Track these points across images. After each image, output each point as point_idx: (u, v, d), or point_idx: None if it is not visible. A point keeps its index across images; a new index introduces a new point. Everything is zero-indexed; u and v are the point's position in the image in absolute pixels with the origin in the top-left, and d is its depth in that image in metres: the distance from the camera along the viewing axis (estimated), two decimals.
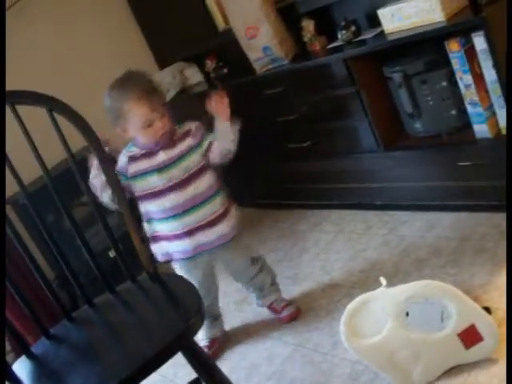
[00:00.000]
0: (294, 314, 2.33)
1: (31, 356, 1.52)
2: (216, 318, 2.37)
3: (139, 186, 2.08)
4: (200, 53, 3.51)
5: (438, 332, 1.69)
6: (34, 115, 1.72)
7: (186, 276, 2.01)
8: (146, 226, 2.16)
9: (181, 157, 2.07)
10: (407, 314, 1.71)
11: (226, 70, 3.41)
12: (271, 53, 2.89)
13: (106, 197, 1.99)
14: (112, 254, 2.92)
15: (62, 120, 1.59)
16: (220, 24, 3.31)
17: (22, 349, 1.54)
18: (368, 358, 1.76)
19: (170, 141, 2.09)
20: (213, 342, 2.34)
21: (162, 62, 3.79)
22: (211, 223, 2.11)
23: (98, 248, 2.79)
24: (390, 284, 1.75)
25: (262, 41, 2.88)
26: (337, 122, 2.77)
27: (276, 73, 2.92)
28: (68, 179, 1.86)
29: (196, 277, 2.17)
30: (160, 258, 2.17)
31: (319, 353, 2.08)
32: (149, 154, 2.07)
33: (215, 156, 2.11)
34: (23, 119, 1.56)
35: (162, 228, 2.13)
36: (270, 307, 2.37)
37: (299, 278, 2.63)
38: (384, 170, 2.74)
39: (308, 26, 2.86)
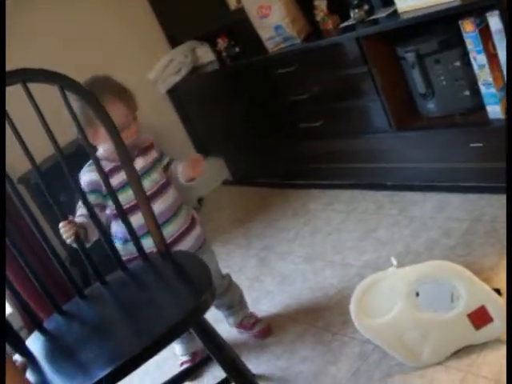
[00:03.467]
0: (264, 330, 2.26)
1: (44, 331, 1.54)
2: None
3: (121, 200, 1.75)
4: (212, 32, 3.50)
5: (447, 312, 1.70)
6: (47, 93, 1.72)
7: None
8: (120, 247, 1.97)
9: (151, 166, 2.02)
10: (417, 294, 1.71)
11: (237, 49, 3.40)
12: (283, 32, 2.87)
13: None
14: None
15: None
16: (232, 3, 3.30)
17: (35, 324, 1.56)
18: (377, 337, 1.77)
19: (144, 147, 2.03)
20: (194, 355, 2.23)
21: (174, 41, 3.79)
22: (187, 231, 2.07)
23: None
24: (401, 264, 1.75)
25: (274, 20, 2.87)
26: (349, 101, 2.76)
27: (288, 52, 2.91)
28: (80, 158, 1.88)
29: None
30: None
31: (329, 332, 2.09)
32: (121, 166, 1.82)
33: (173, 178, 2.08)
34: (35, 97, 1.56)
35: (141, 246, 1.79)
36: (239, 325, 2.30)
37: (311, 257, 2.64)
38: (396, 151, 2.74)
39: (320, 4, 2.84)
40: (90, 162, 1.93)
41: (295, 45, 2.88)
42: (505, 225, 2.20)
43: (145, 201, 1.67)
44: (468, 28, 2.19)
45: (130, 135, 1.92)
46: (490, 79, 2.24)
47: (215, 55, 3.59)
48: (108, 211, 1.97)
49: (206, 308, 1.34)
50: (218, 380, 1.71)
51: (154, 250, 1.70)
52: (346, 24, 2.72)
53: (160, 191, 2.01)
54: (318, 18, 2.86)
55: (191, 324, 1.40)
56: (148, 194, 1.86)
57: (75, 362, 1.38)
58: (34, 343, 1.51)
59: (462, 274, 1.69)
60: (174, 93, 3.80)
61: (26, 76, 1.54)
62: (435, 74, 2.44)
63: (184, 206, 2.10)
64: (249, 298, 2.37)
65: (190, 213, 2.13)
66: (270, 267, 2.71)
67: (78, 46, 3.41)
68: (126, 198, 1.88)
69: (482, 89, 2.30)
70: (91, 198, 1.85)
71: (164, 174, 2.06)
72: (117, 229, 2.00)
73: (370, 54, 2.53)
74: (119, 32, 3.63)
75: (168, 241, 1.88)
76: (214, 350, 1.56)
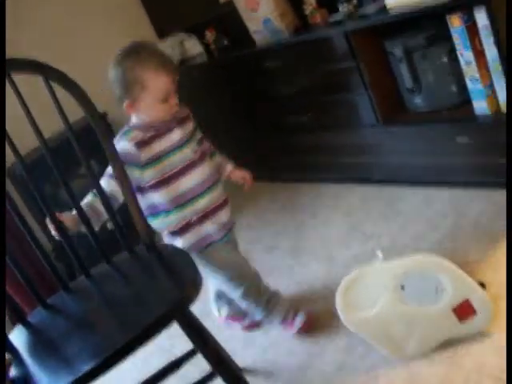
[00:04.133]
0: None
1: (27, 325, 1.53)
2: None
3: (159, 171, 1.86)
4: (200, 24, 3.48)
5: (432, 306, 1.70)
6: (32, 84, 1.70)
7: (227, 263, 2.02)
8: (166, 220, 1.94)
9: (189, 138, 1.96)
10: (402, 287, 1.72)
11: (226, 42, 3.39)
12: (272, 25, 2.87)
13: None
14: (110, 225, 2.92)
15: (60, 90, 1.58)
16: None
17: (18, 318, 1.55)
18: (363, 330, 1.78)
19: (181, 118, 1.97)
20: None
21: (162, 33, 3.77)
22: (221, 206, 2.02)
23: None
24: (387, 258, 1.76)
25: (262, 13, 2.87)
26: (336, 95, 2.76)
27: (276, 45, 2.90)
28: (66, 150, 1.86)
29: (236, 257, 2.11)
30: (194, 248, 1.97)
31: (315, 325, 2.09)
32: (160, 134, 1.88)
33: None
34: (20, 88, 1.54)
35: (189, 212, 1.93)
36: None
37: (297, 251, 2.64)
38: (383, 145, 2.74)
39: None
40: (126, 130, 1.89)
41: (284, 38, 2.88)
42: (490, 220, 2.21)
43: (130, 191, 1.67)
44: (455, 24, 2.20)
45: (172, 106, 1.87)
46: (477, 75, 2.25)
47: (203, 47, 3.58)
48: (144, 185, 1.89)
49: (190, 301, 1.34)
50: (204, 373, 1.70)
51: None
52: (334, 18, 2.72)
53: (197, 163, 1.95)
54: (307, 12, 2.85)
55: (176, 317, 1.39)
56: (185, 164, 1.91)
57: (59, 356, 1.37)
58: (18, 337, 1.50)
59: (447, 267, 1.70)
60: None
61: (9, 66, 1.52)
62: (423, 69, 2.45)
63: (219, 183, 2.05)
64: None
65: (224, 191, 2.07)
66: (256, 260, 2.70)
67: (65, 37, 3.38)
68: (170, 165, 1.88)
69: (469, 84, 2.30)
70: (132, 170, 1.81)
71: (199, 147, 2.00)
72: (160, 199, 1.90)
73: (358, 48, 2.53)
74: (107, 24, 3.61)
75: (202, 213, 1.95)
76: (199, 343, 1.56)
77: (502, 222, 2.16)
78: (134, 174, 1.82)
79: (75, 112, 1.76)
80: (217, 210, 2.00)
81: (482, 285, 1.77)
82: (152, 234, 1.69)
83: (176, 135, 1.91)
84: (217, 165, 2.09)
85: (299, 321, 2.09)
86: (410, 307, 1.71)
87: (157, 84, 1.80)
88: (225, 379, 1.55)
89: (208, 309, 2.31)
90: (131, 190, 1.68)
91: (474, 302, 1.69)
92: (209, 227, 1.98)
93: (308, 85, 2.86)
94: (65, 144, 1.80)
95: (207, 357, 1.54)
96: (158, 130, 1.87)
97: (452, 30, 2.22)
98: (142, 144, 1.84)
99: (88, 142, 1.73)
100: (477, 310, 1.69)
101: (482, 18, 2.10)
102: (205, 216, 1.96)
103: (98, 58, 3.46)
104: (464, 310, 1.69)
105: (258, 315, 2.11)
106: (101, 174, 1.83)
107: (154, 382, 1.79)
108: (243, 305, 2.10)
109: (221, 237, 2.02)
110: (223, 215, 2.02)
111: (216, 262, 2.00)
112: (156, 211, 1.94)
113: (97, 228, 1.73)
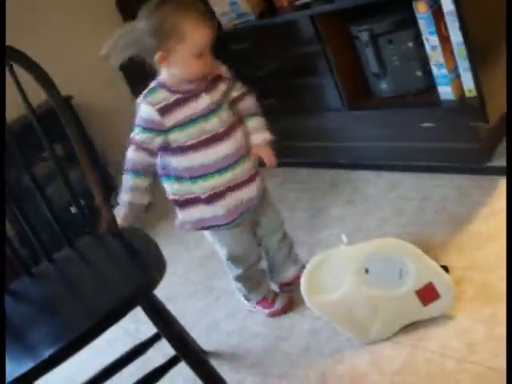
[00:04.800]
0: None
1: None
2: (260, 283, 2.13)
3: (185, 135, 1.75)
4: None
5: (396, 289, 1.72)
6: None
7: (229, 245, 1.96)
8: (174, 187, 1.87)
9: (219, 104, 1.81)
10: (367, 270, 1.73)
11: None
12: (238, 8, 2.84)
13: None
14: (73, 209, 2.89)
15: (23, 73, 1.55)
16: None
17: None
18: (327, 313, 1.79)
19: (212, 79, 1.82)
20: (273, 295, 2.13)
21: (128, 16, 3.70)
22: (252, 178, 1.89)
23: (60, 203, 2.76)
24: (351, 241, 1.77)
25: None
26: (302, 79, 2.76)
27: (242, 28, 2.88)
28: (28, 134, 1.82)
29: (242, 243, 1.98)
30: (189, 226, 1.91)
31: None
32: (185, 98, 1.75)
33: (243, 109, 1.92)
34: None
35: (200, 187, 1.82)
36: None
37: None
38: (348, 129, 2.75)
39: None
40: (152, 87, 1.79)
41: (250, 21, 2.85)
42: (454, 204, 2.24)
43: (93, 173, 1.64)
44: (421, 9, 2.21)
45: (206, 64, 1.74)
46: (442, 60, 2.26)
47: None
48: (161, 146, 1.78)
49: (154, 284, 1.33)
50: (169, 357, 1.70)
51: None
52: (301, 1, 2.70)
53: (221, 137, 1.79)
54: None
55: (140, 301, 1.38)
56: (206, 137, 1.77)
57: (22, 343, 1.35)
58: None
59: (410, 251, 1.72)
60: (127, 68, 3.73)
61: None
62: (388, 54, 2.46)
63: (246, 158, 1.87)
64: (203, 271, 2.36)
65: (252, 166, 1.91)
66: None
67: (29, 24, 3.31)
68: (194, 132, 1.76)
69: (434, 70, 2.32)
70: (144, 137, 1.74)
71: (229, 115, 1.84)
72: (174, 165, 1.81)
73: (324, 32, 2.53)
74: (73, 11, 3.53)
75: (233, 184, 1.83)
76: (162, 327, 1.55)
77: (465, 206, 2.19)
78: (155, 141, 1.74)
79: (38, 95, 1.72)
80: (234, 188, 1.85)
81: (446, 268, 1.79)
82: (115, 218, 1.67)
83: (202, 102, 1.76)
84: (248, 133, 1.90)
85: (279, 303, 2.09)
86: (374, 290, 1.73)
87: (195, 36, 1.67)
88: (189, 363, 1.54)
89: (174, 291, 2.31)
90: (94, 173, 1.65)
91: (437, 285, 1.70)
92: (218, 209, 1.85)
93: (274, 68, 2.85)
94: (27, 128, 1.77)
95: (171, 341, 1.53)
96: (183, 94, 1.75)
97: (418, 16, 2.23)
98: (165, 110, 1.73)
99: (51, 126, 1.70)
100: (440, 294, 1.71)
101: (447, 3, 2.11)
102: (217, 195, 1.83)
103: (64, 42, 3.43)
104: (427, 294, 1.71)
105: (239, 292, 2.12)
106: (65, 158, 1.81)
107: (118, 367, 1.78)
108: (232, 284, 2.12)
109: (228, 221, 1.87)
110: (245, 193, 1.88)
111: (219, 239, 1.98)
112: (167, 174, 1.86)
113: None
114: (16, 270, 1.63)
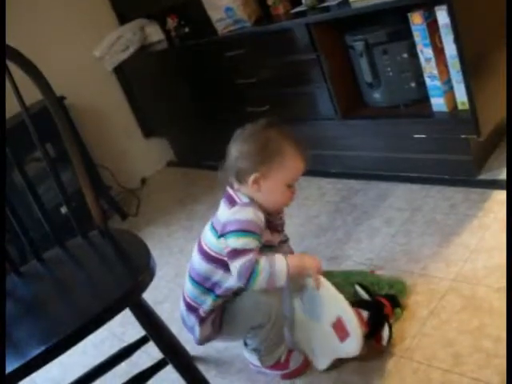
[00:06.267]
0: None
1: None
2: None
3: None
4: (162, 11, 3.45)
5: (317, 321, 1.71)
6: None
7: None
8: (209, 303, 1.73)
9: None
10: (301, 298, 1.74)
11: (187, 30, 3.37)
12: (234, 14, 2.85)
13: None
14: (64, 210, 2.89)
15: (18, 70, 1.55)
16: None
17: None
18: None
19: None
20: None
21: (123, 18, 3.72)
22: None
23: (49, 205, 2.75)
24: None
25: (225, 1, 2.85)
26: (296, 87, 2.76)
27: (238, 35, 2.89)
28: (22, 133, 1.82)
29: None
30: (212, 337, 1.81)
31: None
32: (268, 225, 1.71)
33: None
34: None
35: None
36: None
37: None
38: (340, 138, 2.76)
39: None
40: (249, 202, 1.67)
41: (245, 28, 2.87)
42: (444, 215, 2.25)
43: (83, 171, 1.63)
44: (416, 20, 2.22)
45: (292, 196, 1.72)
46: (436, 72, 2.27)
47: (164, 34, 3.56)
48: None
49: (143, 287, 1.32)
50: (155, 361, 1.70)
51: None
52: (297, 10, 2.72)
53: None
54: (270, 2, 2.85)
55: (128, 304, 1.38)
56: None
57: (8, 342, 1.34)
58: None
59: (323, 284, 1.65)
60: (120, 71, 3.74)
61: None
62: (382, 65, 2.46)
63: None
64: None
65: None
66: None
67: (22, 20, 3.30)
68: None
69: (428, 81, 2.33)
70: (258, 243, 1.59)
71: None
72: (232, 285, 1.68)
73: (319, 40, 2.54)
74: (67, 7, 3.53)
75: None
76: (151, 330, 1.55)
77: (454, 218, 2.20)
78: (257, 245, 1.59)
79: (29, 96, 1.72)
80: None
81: (394, 300, 1.80)
82: (106, 219, 1.67)
83: (276, 236, 1.78)
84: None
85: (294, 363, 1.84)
86: (306, 320, 1.74)
87: (294, 166, 1.66)
88: (176, 366, 1.54)
89: (160, 296, 2.30)
90: (86, 172, 1.65)
91: (345, 322, 1.63)
92: None
93: (268, 76, 2.86)
94: (17, 128, 1.76)
95: (159, 344, 1.53)
96: (268, 222, 1.69)
97: (413, 27, 2.24)
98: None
99: (41, 127, 1.69)
100: (349, 332, 1.63)
101: (442, 15, 2.12)
102: None
103: (58, 42, 3.43)
104: (339, 329, 1.65)
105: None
106: (56, 158, 1.80)
107: (104, 369, 1.77)
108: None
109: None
110: None
111: None
112: (210, 288, 1.72)
113: None
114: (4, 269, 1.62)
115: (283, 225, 1.86)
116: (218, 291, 1.71)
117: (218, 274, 1.69)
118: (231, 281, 1.66)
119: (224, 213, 1.69)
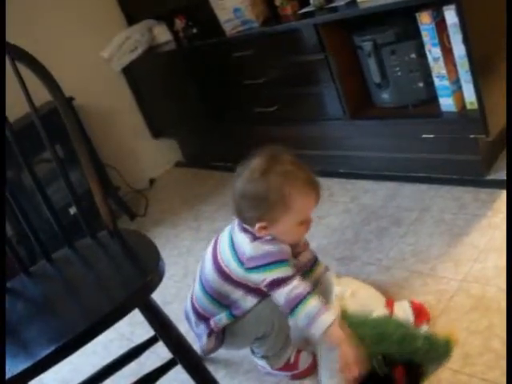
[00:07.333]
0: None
1: None
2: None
3: None
4: (170, 12, 3.45)
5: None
6: None
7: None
8: (223, 321, 1.71)
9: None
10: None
11: (195, 30, 3.37)
12: (242, 15, 2.85)
13: None
14: (72, 210, 2.89)
15: (26, 72, 1.55)
16: None
17: None
18: None
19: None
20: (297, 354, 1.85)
21: (131, 19, 3.72)
22: None
23: (58, 205, 2.76)
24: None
25: (233, 2, 2.85)
26: (304, 87, 2.76)
27: (246, 35, 2.89)
28: (30, 134, 1.83)
29: None
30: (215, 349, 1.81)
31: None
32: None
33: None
34: None
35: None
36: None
37: None
38: (349, 138, 2.76)
39: None
40: (269, 239, 1.59)
41: (253, 28, 2.87)
42: (453, 216, 2.24)
43: (92, 172, 1.63)
44: (425, 20, 2.21)
45: (307, 229, 1.64)
46: (444, 72, 2.27)
47: (172, 35, 3.56)
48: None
49: (152, 288, 1.32)
50: (165, 361, 1.70)
51: None
52: (304, 10, 2.72)
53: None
54: (278, 3, 2.84)
55: (137, 304, 1.38)
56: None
57: (18, 341, 1.35)
58: None
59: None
60: (128, 72, 3.75)
61: None
62: (391, 65, 2.46)
63: None
64: None
65: None
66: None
67: (31, 21, 3.32)
68: None
69: (436, 81, 2.32)
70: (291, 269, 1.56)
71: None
72: (249, 306, 1.67)
73: (327, 41, 2.53)
74: (75, 8, 3.54)
75: None
76: (160, 330, 1.55)
77: (463, 218, 2.19)
78: (293, 270, 1.56)
79: (38, 97, 1.73)
80: None
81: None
82: (115, 219, 1.67)
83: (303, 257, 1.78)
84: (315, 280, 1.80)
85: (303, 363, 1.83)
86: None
87: (302, 207, 1.56)
88: (185, 366, 1.55)
89: (169, 296, 2.30)
90: (94, 172, 1.65)
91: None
92: None
93: (276, 76, 2.85)
94: (27, 129, 1.76)
95: (168, 344, 1.53)
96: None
97: (421, 27, 2.24)
98: None
99: (50, 128, 1.69)
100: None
101: (451, 15, 2.11)
102: None
103: (67, 43, 3.44)
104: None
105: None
106: (64, 159, 1.80)
107: (113, 369, 1.78)
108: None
109: None
110: None
111: None
112: (227, 305, 1.70)
113: None
114: (13, 268, 1.63)
115: (307, 245, 1.83)
116: (235, 311, 1.68)
117: (237, 294, 1.66)
118: (249, 302, 1.65)
119: (245, 245, 1.60)
